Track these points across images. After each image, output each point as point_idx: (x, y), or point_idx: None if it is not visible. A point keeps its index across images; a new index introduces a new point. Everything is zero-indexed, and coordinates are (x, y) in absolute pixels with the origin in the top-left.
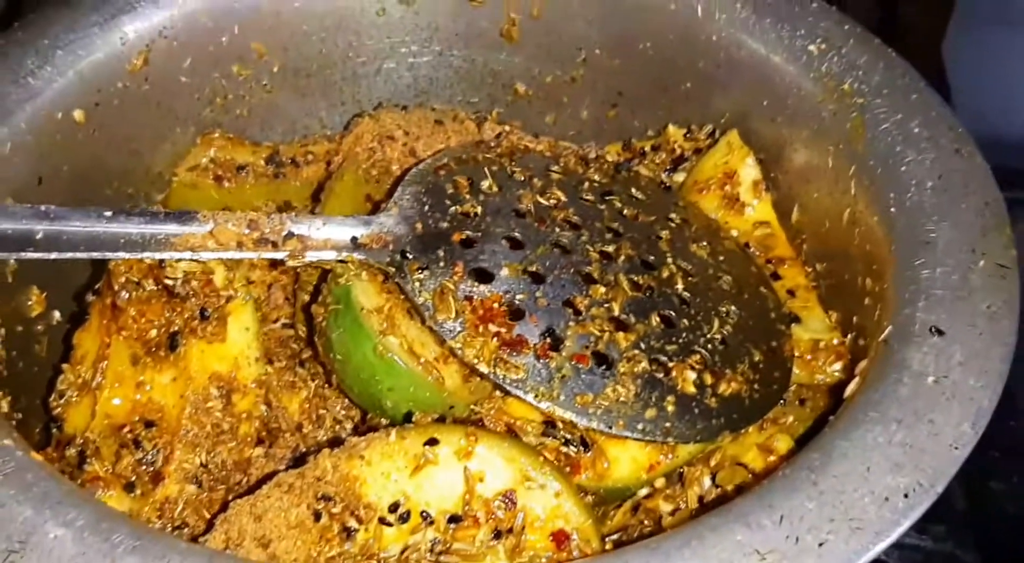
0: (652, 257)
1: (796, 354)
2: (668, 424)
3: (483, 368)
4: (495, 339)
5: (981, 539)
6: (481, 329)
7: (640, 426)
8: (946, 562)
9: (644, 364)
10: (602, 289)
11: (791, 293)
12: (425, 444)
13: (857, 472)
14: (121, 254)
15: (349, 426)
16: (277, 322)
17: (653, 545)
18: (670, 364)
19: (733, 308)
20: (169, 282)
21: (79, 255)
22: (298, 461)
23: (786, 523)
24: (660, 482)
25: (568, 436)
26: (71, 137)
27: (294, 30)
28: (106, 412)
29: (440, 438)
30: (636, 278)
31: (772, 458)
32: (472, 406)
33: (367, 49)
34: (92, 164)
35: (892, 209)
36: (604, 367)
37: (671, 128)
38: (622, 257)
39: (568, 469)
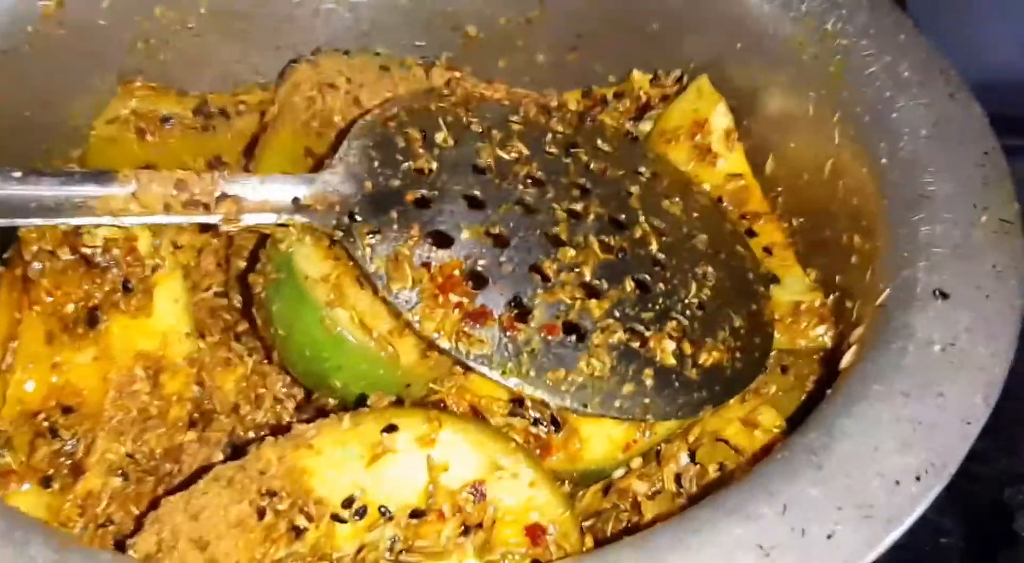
0: (623, 215)
1: (776, 317)
2: (647, 400)
3: (444, 343)
4: (456, 310)
5: (964, 508)
6: (441, 299)
7: (617, 403)
8: (929, 531)
9: (620, 334)
10: (571, 252)
11: (767, 251)
12: (383, 431)
13: (863, 453)
14: (33, 220)
15: (291, 406)
16: (208, 290)
17: (642, 542)
18: (647, 333)
19: (710, 269)
20: (87, 251)
21: None
22: (236, 449)
23: (789, 513)
24: (636, 461)
25: (537, 415)
26: None
27: None
28: (18, 397)
29: (399, 424)
30: (607, 239)
31: (757, 433)
32: (431, 384)
33: None
34: (1, 117)
35: (883, 160)
36: (576, 338)
37: (636, 73)
38: (591, 216)
39: (538, 451)
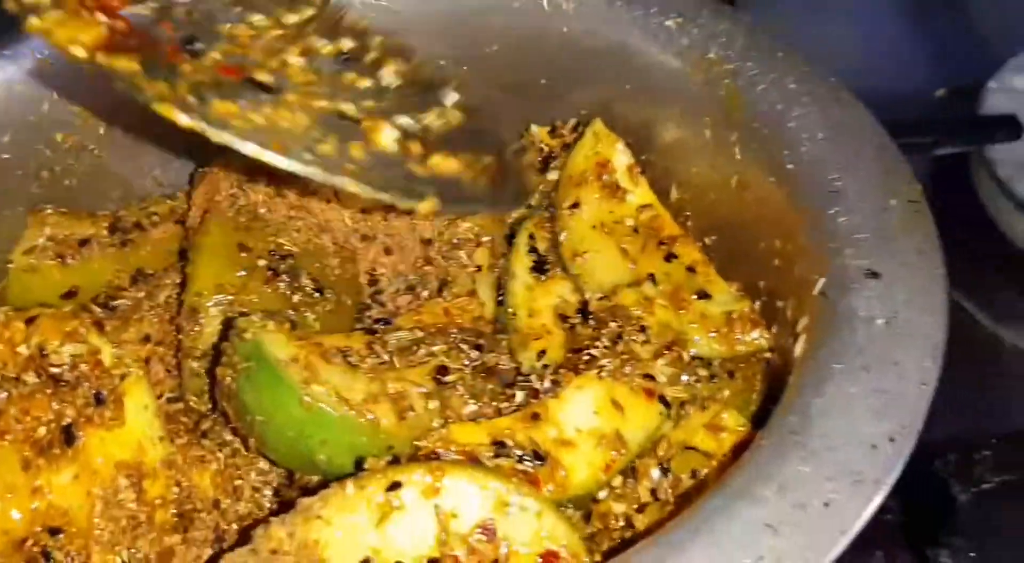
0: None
1: (713, 330)
2: (353, 166)
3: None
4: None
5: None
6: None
7: (308, 156)
8: None
9: (324, 104)
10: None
11: (691, 270)
12: (387, 490)
13: (841, 427)
14: None
15: (268, 492)
16: (162, 398)
17: (662, 538)
18: (361, 117)
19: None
20: (55, 370)
21: None
22: (218, 541)
23: (788, 491)
24: (617, 480)
25: (520, 452)
26: None
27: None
28: (3, 529)
29: (402, 480)
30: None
31: (724, 435)
32: (415, 442)
33: None
34: None
35: (789, 166)
36: (263, 89)
37: (534, 128)
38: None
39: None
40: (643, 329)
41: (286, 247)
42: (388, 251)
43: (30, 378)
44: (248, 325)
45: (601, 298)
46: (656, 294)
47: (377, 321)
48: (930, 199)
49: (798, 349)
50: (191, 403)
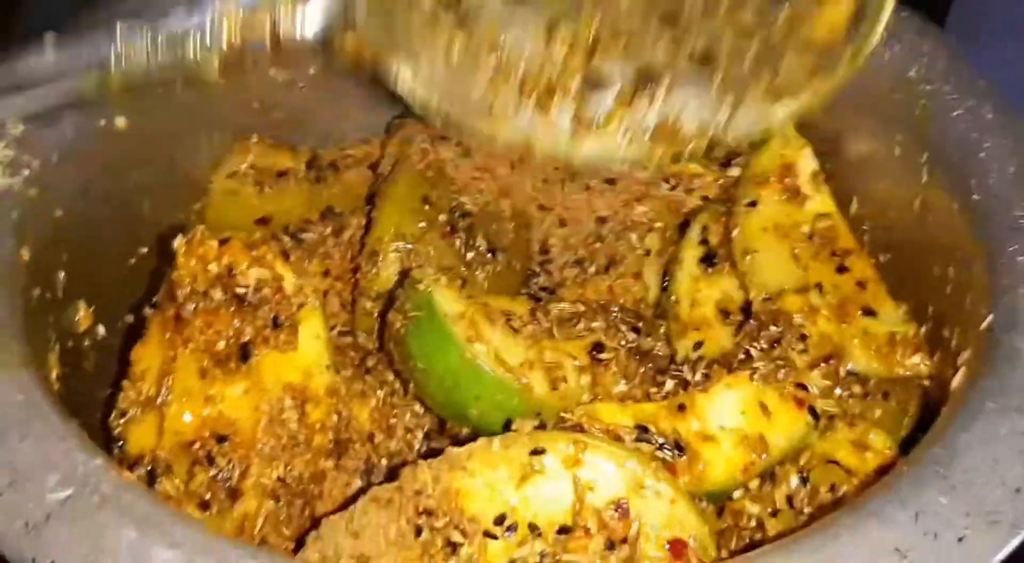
0: None
1: (874, 348)
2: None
3: None
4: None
5: None
6: None
7: None
8: None
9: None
10: None
11: (861, 285)
12: (531, 453)
13: (985, 464)
14: None
15: (420, 434)
16: (334, 330)
17: (791, 545)
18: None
19: None
20: (240, 291)
21: None
22: (367, 472)
23: (922, 519)
24: (754, 483)
25: (662, 440)
26: (114, 145)
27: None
28: (175, 429)
29: (546, 446)
30: None
31: (868, 455)
32: (561, 413)
33: None
34: (133, 170)
35: (975, 196)
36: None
37: None
38: None
39: None
40: (803, 338)
41: (467, 206)
42: (563, 223)
43: (217, 294)
44: (423, 277)
45: (766, 299)
46: (822, 304)
47: (543, 289)
48: None
49: (956, 381)
50: (360, 340)
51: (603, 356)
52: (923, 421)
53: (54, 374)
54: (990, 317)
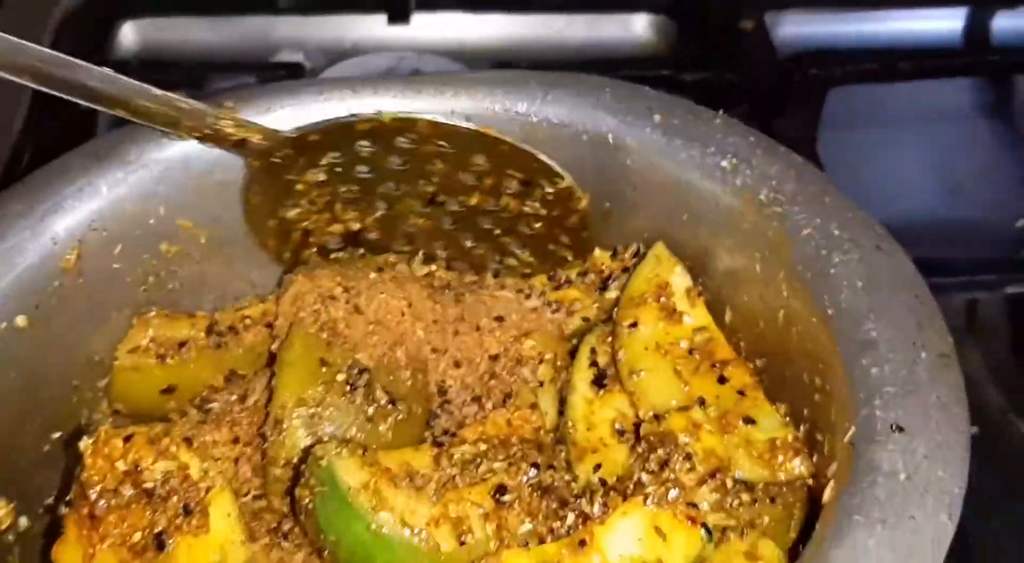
0: None
1: (756, 454)
2: None
3: None
4: None
5: None
6: None
7: None
8: None
9: None
10: None
11: (741, 393)
12: None
13: None
14: None
15: None
16: (248, 495)
17: None
18: None
19: None
20: (149, 485)
21: None
22: None
23: None
24: None
25: None
26: (16, 343)
27: (216, 202)
28: None
29: None
30: None
31: None
32: None
33: None
34: (37, 363)
35: (829, 310)
36: None
37: (597, 252)
38: None
39: None
40: (689, 457)
41: (363, 362)
42: (457, 364)
43: (127, 490)
44: (324, 452)
45: (654, 417)
46: (704, 419)
47: (445, 433)
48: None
49: (826, 495)
50: (275, 504)
51: (506, 498)
52: (810, 522)
53: None
54: (851, 430)
